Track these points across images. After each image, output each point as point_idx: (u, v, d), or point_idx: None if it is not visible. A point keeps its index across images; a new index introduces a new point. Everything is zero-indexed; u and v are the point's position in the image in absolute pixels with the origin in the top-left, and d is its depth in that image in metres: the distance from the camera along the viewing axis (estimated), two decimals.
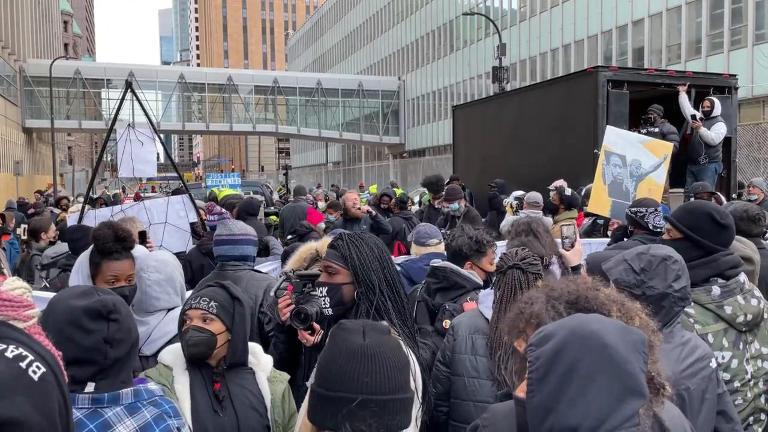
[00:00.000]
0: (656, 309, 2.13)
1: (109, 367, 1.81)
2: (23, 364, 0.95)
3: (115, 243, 2.93)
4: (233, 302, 2.34)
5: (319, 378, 1.40)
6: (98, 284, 2.85)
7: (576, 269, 3.48)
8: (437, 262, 3.47)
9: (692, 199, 6.83)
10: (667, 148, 6.22)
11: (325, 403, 1.37)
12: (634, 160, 5.79)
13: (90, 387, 1.76)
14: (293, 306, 2.41)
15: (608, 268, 2.28)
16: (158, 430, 1.83)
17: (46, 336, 1.16)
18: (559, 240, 3.62)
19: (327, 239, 3.12)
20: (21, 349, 0.97)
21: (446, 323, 3.15)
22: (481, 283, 3.43)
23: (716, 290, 2.66)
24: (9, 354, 0.96)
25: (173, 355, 2.32)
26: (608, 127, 6.03)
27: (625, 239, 4.77)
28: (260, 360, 2.43)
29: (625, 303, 1.57)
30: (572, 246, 3.57)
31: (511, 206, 7.69)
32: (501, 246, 3.73)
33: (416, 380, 1.99)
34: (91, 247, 3.08)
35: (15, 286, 1.17)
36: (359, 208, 6.88)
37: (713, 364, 2.20)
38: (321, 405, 1.38)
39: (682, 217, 2.90)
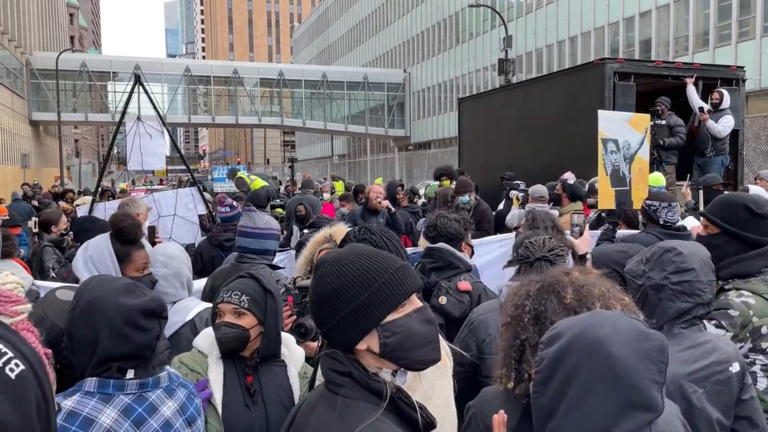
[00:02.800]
0: (654, 301, 2.14)
1: (151, 356, 1.90)
2: (0, 362, 0.93)
3: (139, 232, 3.01)
4: (265, 295, 2.31)
5: None
6: (130, 273, 2.91)
7: (583, 257, 3.53)
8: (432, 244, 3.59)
9: (700, 191, 6.79)
10: (646, 120, 6.14)
11: None
12: (624, 141, 5.71)
13: (130, 374, 1.84)
14: (293, 317, 2.44)
15: (629, 260, 2.29)
16: (192, 409, 1.97)
17: (37, 332, 1.15)
18: (568, 231, 3.67)
19: (342, 225, 3.17)
20: (0, 345, 0.95)
21: (442, 299, 3.31)
22: (471, 266, 3.61)
23: None
24: None
25: (209, 342, 2.30)
26: (599, 111, 5.89)
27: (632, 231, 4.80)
28: (293, 353, 2.40)
29: (585, 286, 1.55)
30: (581, 234, 3.64)
31: (517, 198, 7.68)
32: (509, 238, 3.78)
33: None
34: (103, 237, 3.10)
35: (7, 281, 1.16)
36: (380, 202, 6.98)
37: (734, 368, 2.10)
38: None
39: (717, 211, 2.83)
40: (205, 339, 2.33)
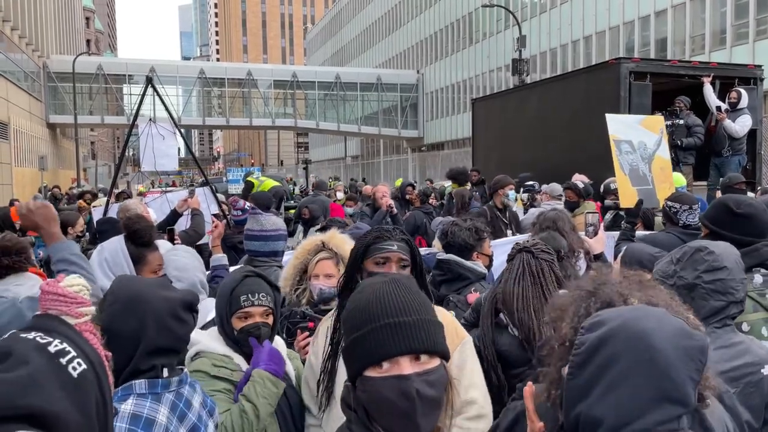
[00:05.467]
0: (686, 300, 2.09)
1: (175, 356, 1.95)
2: (64, 360, 0.97)
3: (154, 234, 3.03)
4: (274, 292, 2.40)
5: None
6: (145, 275, 2.94)
7: (598, 257, 3.51)
8: (442, 255, 3.50)
9: (719, 192, 6.71)
10: (660, 121, 6.20)
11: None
12: (639, 142, 5.76)
13: (165, 372, 1.87)
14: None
15: (657, 261, 2.28)
16: (209, 401, 2.06)
17: (98, 335, 1.18)
18: (582, 233, 3.64)
19: (334, 232, 3.07)
20: (65, 345, 0.99)
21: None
22: (486, 272, 3.53)
23: (758, 278, 2.64)
24: (52, 349, 0.98)
25: (219, 343, 2.32)
26: (607, 115, 5.93)
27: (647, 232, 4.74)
28: (278, 341, 2.49)
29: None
30: (595, 234, 3.62)
31: (522, 200, 7.61)
32: (524, 239, 3.73)
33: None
34: (117, 240, 3.11)
35: (74, 283, 1.21)
36: (390, 206, 7.03)
37: (765, 371, 2.07)
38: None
39: (708, 212, 2.94)
40: (217, 340, 2.34)
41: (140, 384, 1.78)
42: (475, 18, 46.70)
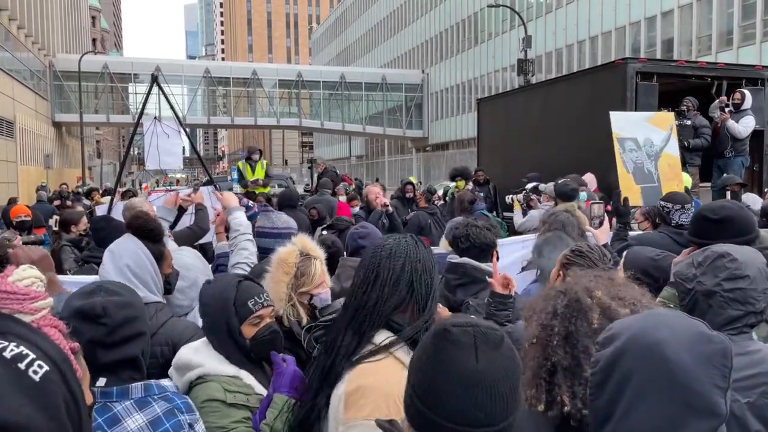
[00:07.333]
0: (704, 307, 2.04)
1: (115, 365, 1.81)
2: (22, 365, 0.90)
3: (162, 229, 3.03)
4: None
5: (423, 393, 1.19)
6: (166, 270, 2.89)
7: (604, 247, 3.50)
8: (455, 258, 3.41)
9: (728, 194, 6.68)
10: (670, 118, 6.17)
11: (431, 425, 1.18)
12: (645, 139, 5.74)
13: (101, 381, 1.77)
14: None
15: (676, 262, 2.24)
16: (168, 425, 1.79)
17: (62, 326, 1.11)
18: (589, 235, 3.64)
19: (302, 236, 2.79)
20: (22, 347, 0.92)
21: None
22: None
23: None
24: (7, 354, 0.90)
25: (222, 363, 2.13)
26: (611, 113, 5.90)
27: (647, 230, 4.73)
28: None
29: (610, 308, 1.49)
30: (601, 224, 3.66)
31: (518, 201, 7.57)
32: (531, 239, 3.72)
33: None
34: (130, 242, 3.03)
35: (24, 276, 1.13)
36: (386, 205, 6.91)
37: None
38: (425, 424, 1.19)
39: (690, 229, 2.92)
40: (219, 360, 2.14)
41: None
42: (481, 18, 46.64)
